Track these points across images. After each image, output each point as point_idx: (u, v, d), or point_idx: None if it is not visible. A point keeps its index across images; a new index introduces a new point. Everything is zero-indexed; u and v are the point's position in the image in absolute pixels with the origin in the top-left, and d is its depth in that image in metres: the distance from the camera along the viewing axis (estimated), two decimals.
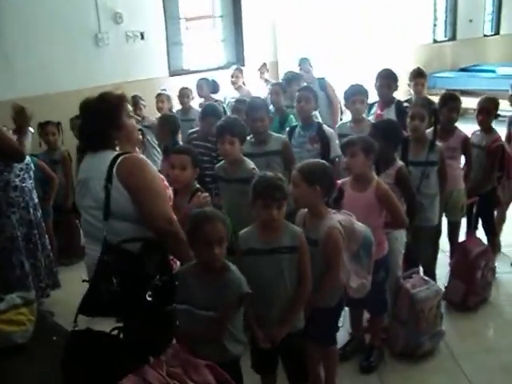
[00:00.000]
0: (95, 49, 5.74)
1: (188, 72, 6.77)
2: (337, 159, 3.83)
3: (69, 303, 4.20)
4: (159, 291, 2.17)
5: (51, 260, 3.96)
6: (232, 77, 6.25)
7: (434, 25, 12.05)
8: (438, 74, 10.13)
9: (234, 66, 6.36)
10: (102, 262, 2.16)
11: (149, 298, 2.13)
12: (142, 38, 6.10)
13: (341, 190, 2.81)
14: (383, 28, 9.46)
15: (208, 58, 7.16)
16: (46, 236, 3.92)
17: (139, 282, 2.14)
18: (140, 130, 5.03)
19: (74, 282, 4.34)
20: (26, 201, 3.69)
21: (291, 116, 4.84)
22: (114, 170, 2.22)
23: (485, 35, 12.37)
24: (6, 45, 5.03)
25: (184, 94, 5.61)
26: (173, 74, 6.55)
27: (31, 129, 3.66)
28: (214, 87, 5.93)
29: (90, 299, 2.19)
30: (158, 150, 5.15)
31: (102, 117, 2.32)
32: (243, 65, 7.36)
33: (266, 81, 6.52)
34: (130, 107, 2.45)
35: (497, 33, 12.60)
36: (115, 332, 2.20)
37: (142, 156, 2.36)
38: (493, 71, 10.33)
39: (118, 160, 2.24)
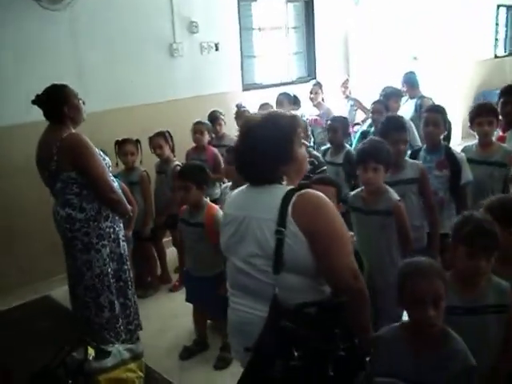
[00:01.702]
0: (169, 60, 5.28)
1: (261, 86, 6.30)
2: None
3: (151, 345, 3.74)
4: (342, 363, 1.71)
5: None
6: (311, 92, 5.78)
7: (496, 39, 11.57)
8: None
9: (314, 81, 5.88)
10: (278, 329, 1.70)
11: (331, 373, 1.67)
12: (217, 49, 5.64)
13: None
14: (443, 42, 8.97)
15: (279, 72, 6.68)
16: None
17: (322, 354, 1.69)
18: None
19: (152, 319, 3.89)
20: (117, 232, 3.22)
21: None
22: (289, 211, 1.76)
23: None
24: (78, 57, 4.60)
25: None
26: (246, 88, 6.07)
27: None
28: (296, 103, 5.48)
29: (256, 374, 1.73)
30: None
31: (272, 147, 1.84)
32: (314, 79, 6.89)
33: (347, 97, 6.02)
34: (302, 133, 1.95)
35: None
36: None
37: (320, 193, 1.86)
38: None
39: (293, 198, 1.79)
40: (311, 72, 6.96)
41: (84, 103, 3.16)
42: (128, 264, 3.32)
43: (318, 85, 5.81)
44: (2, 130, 4.16)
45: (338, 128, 4.06)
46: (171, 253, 4.67)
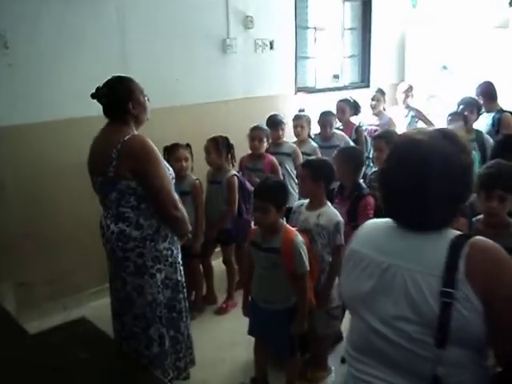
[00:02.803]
0: (222, 56, 4.81)
1: (313, 90, 5.80)
2: None
3: (200, 379, 3.24)
4: None
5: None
6: (372, 99, 5.29)
7: None
8: None
9: (376, 88, 5.39)
10: None
11: None
12: (272, 47, 5.17)
13: None
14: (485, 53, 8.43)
15: (331, 75, 6.20)
16: None
17: None
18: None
19: (198, 348, 3.23)
20: (175, 255, 2.76)
21: (474, 153, 3.93)
22: (461, 266, 1.30)
23: None
24: (125, 50, 4.13)
25: (326, 122, 4.65)
26: (297, 91, 5.59)
27: None
28: (356, 109, 5.01)
29: None
30: (296, 181, 4.24)
31: (458, 180, 1.38)
32: (368, 85, 6.41)
33: (408, 107, 5.51)
34: None
35: None
36: None
37: (493, 242, 1.38)
38: None
39: (465, 249, 1.32)
40: (365, 78, 6.47)
41: (149, 100, 2.71)
42: (184, 292, 2.85)
43: (381, 92, 5.31)
44: (33, 127, 3.68)
45: None
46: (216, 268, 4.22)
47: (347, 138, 4.74)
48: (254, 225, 2.85)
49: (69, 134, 3.77)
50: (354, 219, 3.05)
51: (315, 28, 5.79)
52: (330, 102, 5.26)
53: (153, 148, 2.54)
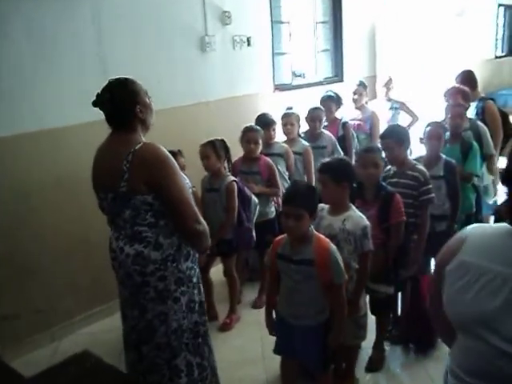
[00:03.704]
0: (201, 54, 4.52)
1: (289, 87, 5.60)
2: None
3: None
4: None
5: None
6: (354, 93, 5.13)
7: (496, 39, 11.31)
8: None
9: (358, 81, 5.22)
10: None
11: None
12: (249, 44, 4.92)
13: None
14: (446, 43, 8.54)
15: (306, 71, 6.01)
16: None
17: None
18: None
19: (219, 369, 2.75)
20: (197, 273, 2.50)
21: (474, 144, 3.85)
22: None
23: None
24: (103, 52, 3.78)
25: (316, 117, 4.47)
26: (275, 88, 5.37)
27: None
28: (340, 102, 4.86)
29: None
30: (288, 182, 4.05)
31: None
32: (342, 80, 6.27)
33: (390, 100, 5.39)
34: None
35: None
36: None
37: None
38: None
39: None
40: (338, 72, 6.31)
41: (152, 101, 2.44)
42: (205, 313, 2.59)
43: (363, 85, 5.15)
44: (9, 140, 3.31)
45: (441, 135, 3.44)
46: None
47: (334, 138, 4.58)
48: (281, 233, 2.60)
49: (55, 144, 3.44)
50: (385, 220, 2.87)
51: (288, 22, 5.57)
52: (307, 99, 5.09)
53: (168, 156, 2.27)
